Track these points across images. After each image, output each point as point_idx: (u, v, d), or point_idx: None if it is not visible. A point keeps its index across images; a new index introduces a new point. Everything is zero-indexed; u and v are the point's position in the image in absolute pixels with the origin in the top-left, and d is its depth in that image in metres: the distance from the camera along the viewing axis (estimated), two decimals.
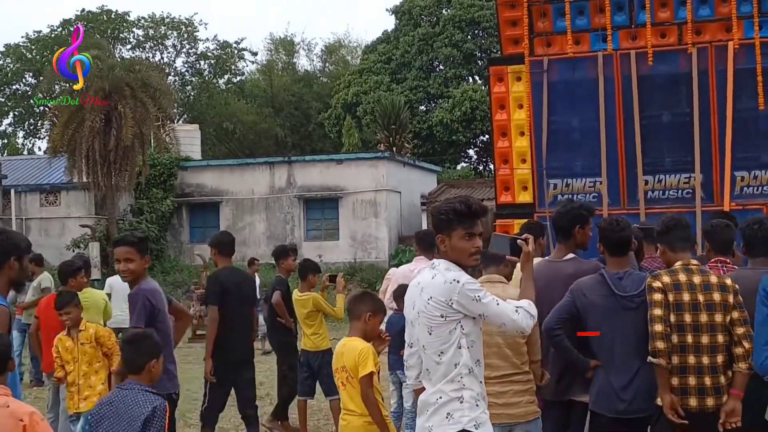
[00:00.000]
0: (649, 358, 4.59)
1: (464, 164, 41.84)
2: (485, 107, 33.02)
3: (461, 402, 3.90)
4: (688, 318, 4.61)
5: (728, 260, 5.78)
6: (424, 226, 26.45)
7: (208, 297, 7.59)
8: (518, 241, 4.25)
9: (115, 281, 13.08)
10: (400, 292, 7.54)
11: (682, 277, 4.67)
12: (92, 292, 8.73)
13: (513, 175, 9.39)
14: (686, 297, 4.62)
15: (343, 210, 27.91)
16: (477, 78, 39.77)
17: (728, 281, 4.71)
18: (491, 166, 32.67)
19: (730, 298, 4.63)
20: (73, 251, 23.79)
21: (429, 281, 3.97)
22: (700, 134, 8.73)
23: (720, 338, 4.60)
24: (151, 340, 4.54)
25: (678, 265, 4.76)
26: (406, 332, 4.30)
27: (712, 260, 5.94)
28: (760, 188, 8.67)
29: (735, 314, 4.61)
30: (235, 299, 7.50)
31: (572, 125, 9.37)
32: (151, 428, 4.18)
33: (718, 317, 4.61)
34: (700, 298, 4.62)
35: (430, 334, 3.94)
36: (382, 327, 5.49)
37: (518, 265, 4.46)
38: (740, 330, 4.58)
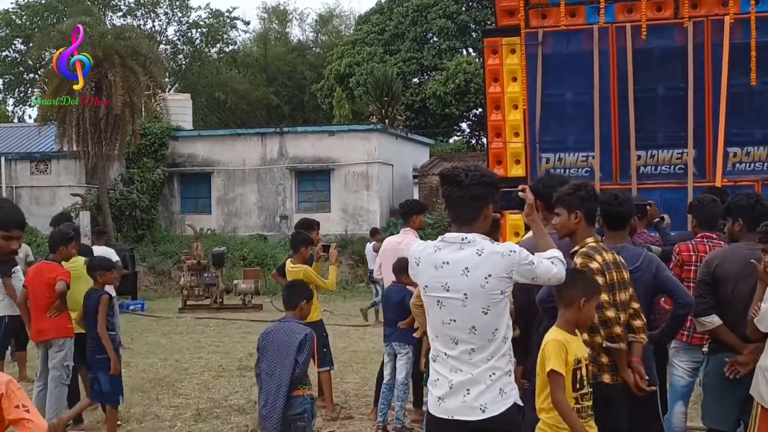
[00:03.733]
0: (607, 343, 4.42)
1: (457, 137, 41.76)
2: (479, 80, 32.90)
3: (510, 375, 3.84)
4: (617, 296, 4.48)
5: (714, 236, 5.78)
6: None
7: None
8: (520, 193, 4.23)
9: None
10: (399, 266, 7.54)
11: (608, 256, 4.51)
12: (82, 262, 8.64)
13: (506, 148, 9.36)
14: (615, 276, 4.48)
15: (334, 182, 27.85)
16: (471, 50, 39.56)
17: (621, 258, 4.60)
18: (484, 140, 32.61)
19: (627, 275, 4.55)
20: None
21: (477, 258, 3.76)
22: (693, 109, 8.71)
23: (624, 316, 4.52)
24: (305, 286, 6.26)
25: (591, 242, 4.55)
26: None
27: (699, 236, 5.95)
28: (752, 164, 8.67)
29: (631, 290, 4.54)
30: None
31: (566, 99, 9.33)
32: (304, 349, 5.58)
33: (625, 295, 4.54)
34: (616, 276, 4.49)
35: (486, 313, 3.76)
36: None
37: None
38: (636, 305, 4.54)
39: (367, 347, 12.86)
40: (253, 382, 10.13)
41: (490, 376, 3.78)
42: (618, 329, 4.42)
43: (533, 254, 3.94)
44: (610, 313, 4.40)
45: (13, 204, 4.25)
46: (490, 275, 3.75)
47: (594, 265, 4.42)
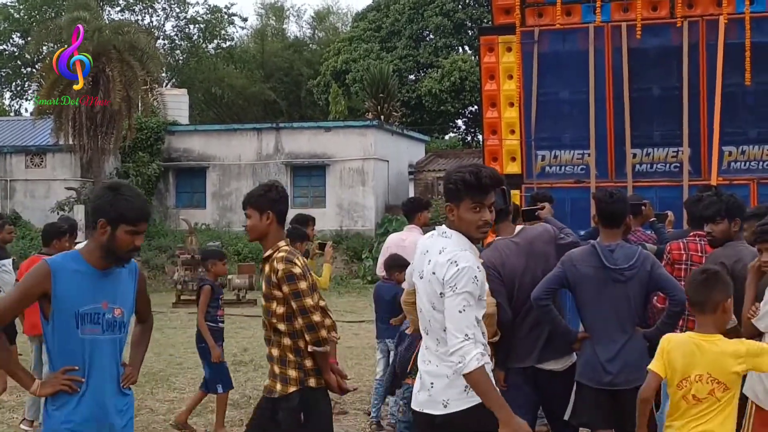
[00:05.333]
0: (313, 348, 4.33)
1: (453, 134, 41.80)
2: (475, 77, 32.91)
3: None
4: (316, 299, 4.46)
5: (705, 234, 5.78)
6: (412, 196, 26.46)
7: None
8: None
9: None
10: (390, 262, 7.55)
11: (303, 259, 4.51)
12: None
13: (501, 145, 9.37)
14: (311, 279, 4.50)
15: (330, 178, 27.86)
16: (467, 48, 39.60)
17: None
18: (479, 137, 32.62)
19: None
20: (58, 214, 23.70)
21: (437, 255, 3.75)
22: (689, 108, 8.73)
23: (328, 320, 4.57)
24: None
25: (284, 246, 4.48)
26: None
27: (691, 234, 5.97)
28: (747, 163, 8.69)
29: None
30: None
31: (562, 97, 9.34)
32: (403, 341, 6.36)
33: (318, 296, 4.56)
34: (312, 279, 4.54)
35: (434, 308, 3.74)
36: None
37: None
38: (324, 302, 4.49)
39: (361, 343, 12.88)
40: (248, 377, 10.18)
41: (454, 371, 3.66)
42: (324, 333, 4.34)
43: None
44: (317, 318, 4.31)
45: (138, 193, 3.76)
46: (433, 273, 3.73)
47: (296, 270, 4.32)
